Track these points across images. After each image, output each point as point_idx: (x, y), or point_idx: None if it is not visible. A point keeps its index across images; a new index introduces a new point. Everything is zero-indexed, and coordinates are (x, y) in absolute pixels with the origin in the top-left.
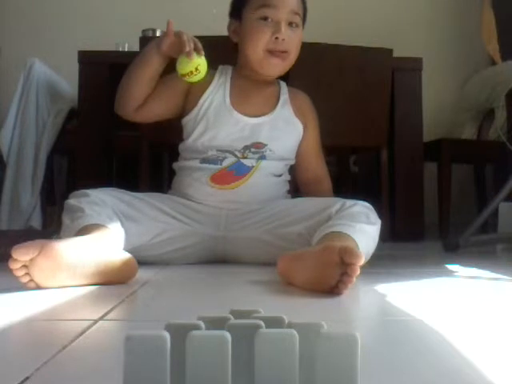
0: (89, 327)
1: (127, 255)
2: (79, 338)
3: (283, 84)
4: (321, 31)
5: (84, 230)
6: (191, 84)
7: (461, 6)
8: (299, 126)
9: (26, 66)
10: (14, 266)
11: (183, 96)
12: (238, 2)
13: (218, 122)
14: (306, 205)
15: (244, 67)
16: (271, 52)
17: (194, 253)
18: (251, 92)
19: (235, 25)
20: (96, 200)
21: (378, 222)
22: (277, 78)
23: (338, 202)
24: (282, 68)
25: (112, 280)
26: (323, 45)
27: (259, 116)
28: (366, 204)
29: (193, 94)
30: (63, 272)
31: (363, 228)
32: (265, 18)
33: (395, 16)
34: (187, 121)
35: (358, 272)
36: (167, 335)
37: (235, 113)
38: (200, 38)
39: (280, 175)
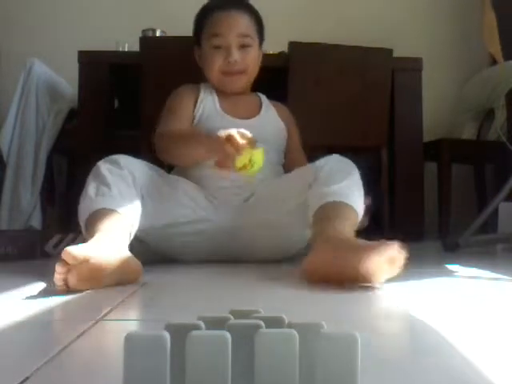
0: (89, 327)
1: (135, 260)
2: (79, 338)
3: (263, 96)
4: (321, 31)
5: (101, 216)
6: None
7: (461, 6)
8: (284, 127)
9: (26, 66)
10: (59, 269)
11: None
12: (196, 31)
13: (212, 125)
14: (289, 179)
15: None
16: (227, 73)
17: (203, 241)
18: (236, 100)
19: (198, 51)
20: (125, 174)
21: (355, 169)
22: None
23: (311, 167)
24: (245, 81)
25: (121, 283)
26: (323, 45)
27: (249, 118)
28: (337, 157)
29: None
30: (95, 284)
31: (349, 185)
32: (216, 47)
33: (395, 16)
34: None
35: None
36: (167, 335)
37: (227, 116)
38: None
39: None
